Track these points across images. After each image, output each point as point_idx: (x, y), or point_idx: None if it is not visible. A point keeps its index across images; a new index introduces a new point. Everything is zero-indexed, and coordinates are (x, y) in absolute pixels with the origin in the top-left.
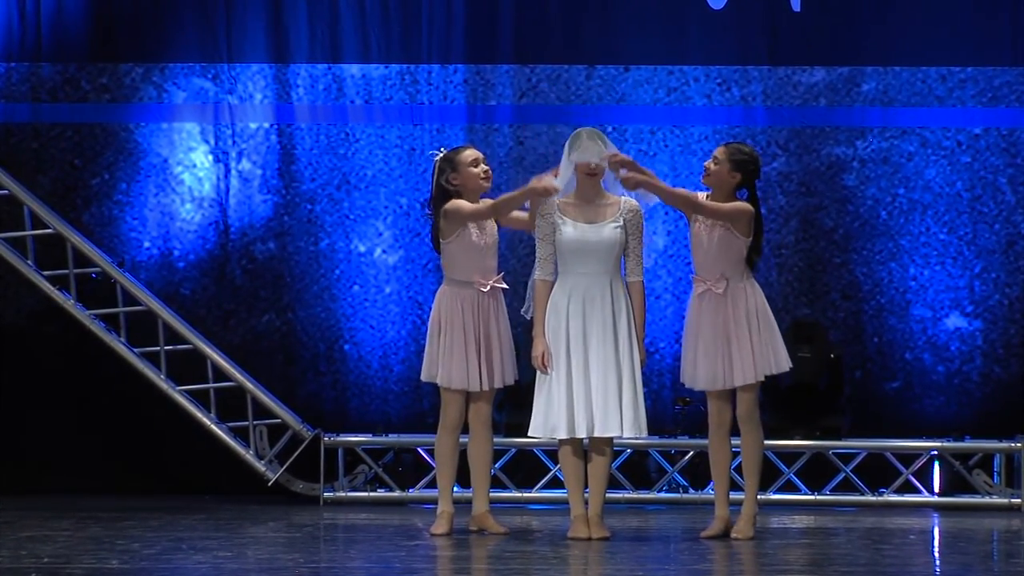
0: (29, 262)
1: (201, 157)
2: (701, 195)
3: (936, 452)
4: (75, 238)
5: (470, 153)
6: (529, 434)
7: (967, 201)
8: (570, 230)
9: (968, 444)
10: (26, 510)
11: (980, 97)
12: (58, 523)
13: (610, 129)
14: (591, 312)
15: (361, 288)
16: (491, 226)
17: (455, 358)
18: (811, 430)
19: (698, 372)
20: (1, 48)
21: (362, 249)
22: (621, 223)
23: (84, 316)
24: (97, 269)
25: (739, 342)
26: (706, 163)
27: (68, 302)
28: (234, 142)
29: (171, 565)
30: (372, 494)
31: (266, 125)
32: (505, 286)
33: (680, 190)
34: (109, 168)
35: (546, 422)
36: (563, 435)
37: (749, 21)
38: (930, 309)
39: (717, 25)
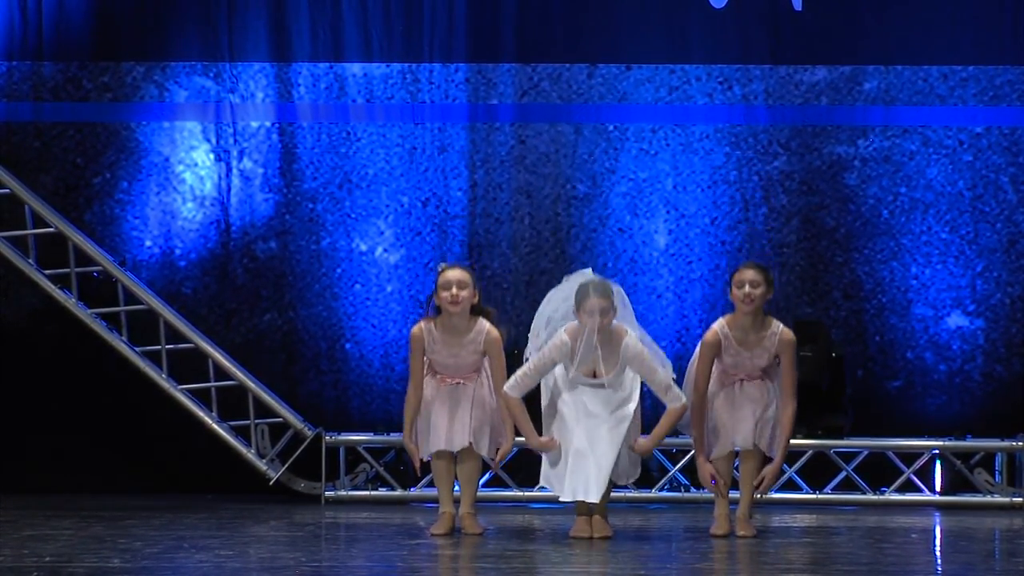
0: (30, 261)
1: (202, 156)
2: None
3: (937, 451)
4: (77, 237)
5: (445, 277)
6: (541, 483)
7: (969, 200)
8: (571, 385)
9: (969, 443)
10: (28, 509)
11: (982, 96)
12: (60, 522)
13: (611, 128)
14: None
15: (362, 287)
16: (468, 350)
17: (423, 428)
18: (813, 429)
19: (736, 434)
20: (2, 47)
21: (363, 248)
22: (625, 371)
23: (85, 315)
24: (98, 268)
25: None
26: (747, 292)
27: (69, 301)
28: (235, 141)
29: (173, 564)
30: (374, 493)
31: (267, 124)
32: (473, 378)
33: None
34: (111, 167)
35: (553, 479)
36: (562, 497)
37: (751, 20)
38: (932, 308)
39: (718, 24)
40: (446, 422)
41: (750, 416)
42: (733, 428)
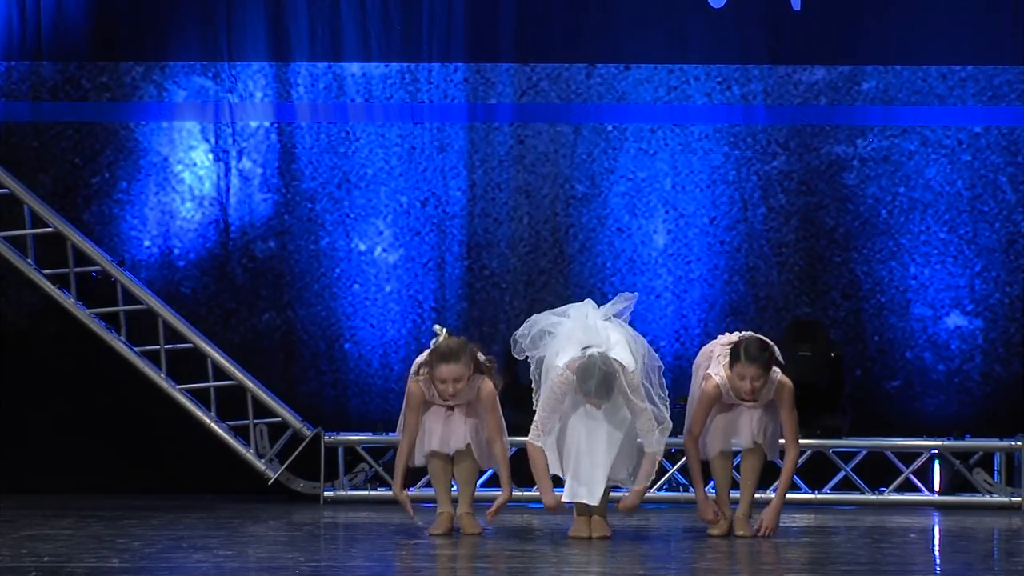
0: (29, 261)
1: (201, 156)
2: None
3: (936, 451)
4: (75, 237)
5: (441, 373)
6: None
7: (967, 200)
8: (578, 407)
9: (968, 443)
10: (27, 509)
11: (980, 96)
12: (59, 522)
13: (610, 128)
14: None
15: (361, 287)
16: (466, 395)
17: (421, 434)
18: (811, 429)
19: (741, 433)
20: (1, 47)
21: (362, 248)
22: (622, 404)
23: (84, 315)
24: (97, 268)
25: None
26: (750, 387)
27: (68, 301)
28: (234, 141)
29: (171, 564)
30: (372, 493)
31: (266, 124)
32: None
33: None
34: (109, 167)
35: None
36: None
37: (749, 20)
38: (930, 308)
39: (717, 24)
40: (441, 426)
41: (748, 417)
42: (732, 429)
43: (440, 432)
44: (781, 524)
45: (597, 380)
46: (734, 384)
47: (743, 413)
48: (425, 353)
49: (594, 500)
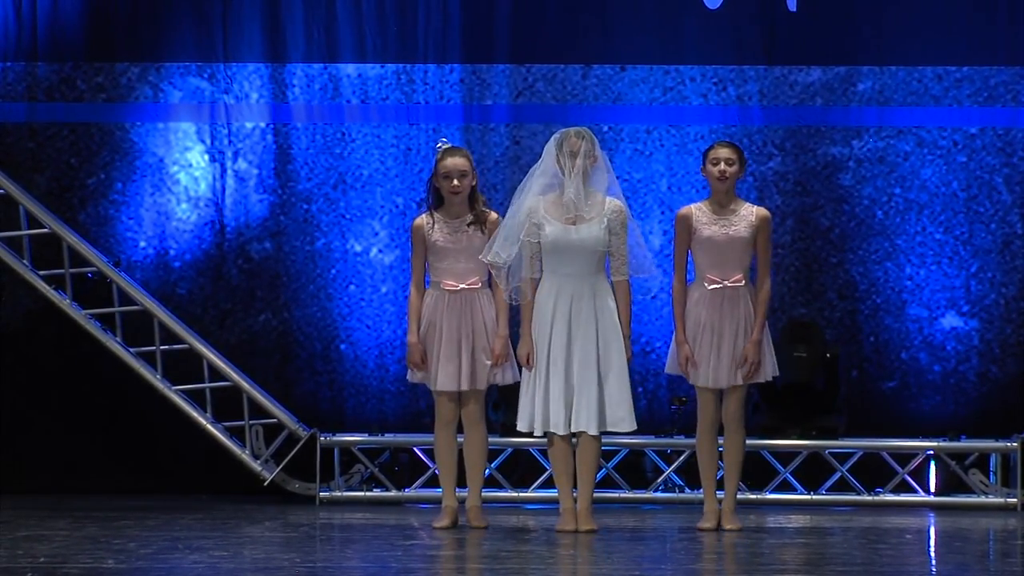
0: (25, 262)
1: (197, 157)
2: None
3: (932, 452)
4: (71, 238)
5: (445, 165)
6: (518, 427)
7: (963, 201)
8: (552, 230)
9: (964, 444)
10: (22, 509)
11: (976, 97)
12: (54, 522)
13: (606, 129)
14: (576, 312)
15: (357, 288)
16: (469, 232)
17: (432, 359)
18: (807, 430)
19: (717, 370)
20: None
21: (358, 249)
22: (604, 223)
23: (80, 316)
24: (93, 269)
25: (746, 340)
26: (723, 168)
27: (64, 302)
28: (230, 141)
29: (167, 564)
30: (368, 494)
31: (262, 124)
32: (477, 286)
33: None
34: (105, 168)
35: (528, 417)
36: (540, 431)
37: (745, 21)
38: (926, 309)
39: (713, 24)
40: (454, 361)
41: (728, 356)
42: (714, 367)
43: (453, 373)
44: (777, 525)
45: (572, 129)
46: (709, 172)
47: (724, 358)
48: None
49: (591, 428)
